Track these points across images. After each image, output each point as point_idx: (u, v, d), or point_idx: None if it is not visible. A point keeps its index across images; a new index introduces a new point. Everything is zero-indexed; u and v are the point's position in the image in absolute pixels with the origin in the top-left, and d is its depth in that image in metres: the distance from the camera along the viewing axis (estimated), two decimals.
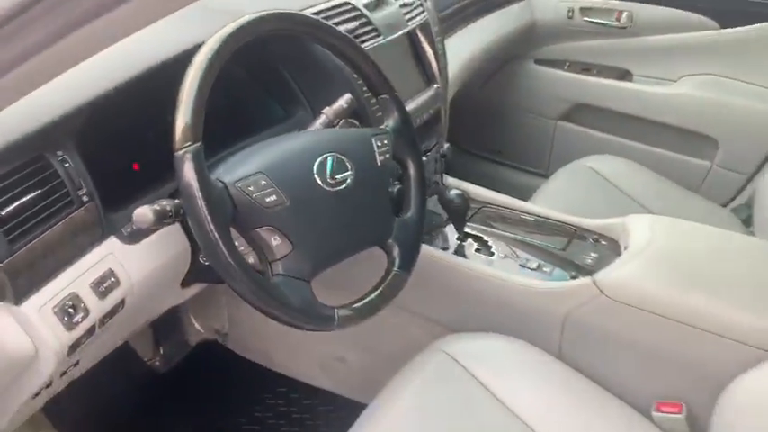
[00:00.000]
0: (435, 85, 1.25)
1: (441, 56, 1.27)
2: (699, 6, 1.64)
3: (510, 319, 1.09)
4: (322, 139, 0.85)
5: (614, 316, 1.00)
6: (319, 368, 1.36)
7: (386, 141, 0.88)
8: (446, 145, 1.30)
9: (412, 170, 0.93)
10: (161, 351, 1.38)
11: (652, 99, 1.70)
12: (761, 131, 1.59)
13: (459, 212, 1.14)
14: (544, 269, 1.10)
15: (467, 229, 1.21)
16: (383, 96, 0.92)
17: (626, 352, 1.02)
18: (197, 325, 1.47)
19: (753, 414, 0.88)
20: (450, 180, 1.35)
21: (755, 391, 0.89)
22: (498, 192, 1.35)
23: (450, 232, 1.19)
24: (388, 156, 0.88)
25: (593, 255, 1.13)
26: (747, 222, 1.58)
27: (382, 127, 0.91)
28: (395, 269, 0.87)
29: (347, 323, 0.80)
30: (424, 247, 1.14)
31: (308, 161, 0.79)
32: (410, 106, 1.16)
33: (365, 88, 0.98)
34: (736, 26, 1.61)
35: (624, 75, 1.77)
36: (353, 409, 0.97)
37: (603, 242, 1.17)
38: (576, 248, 1.16)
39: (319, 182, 0.79)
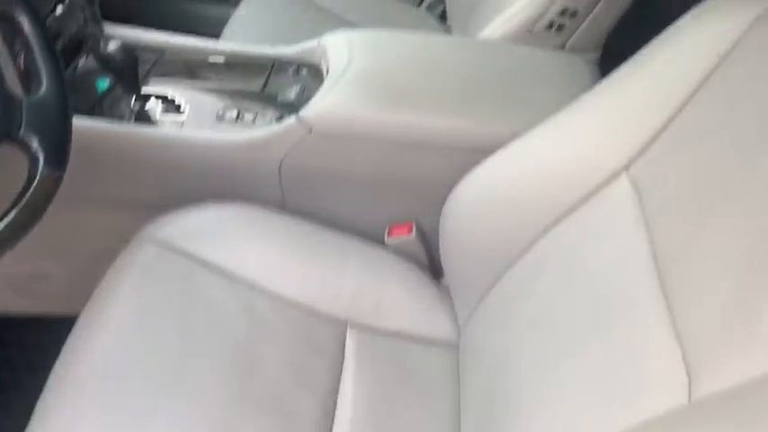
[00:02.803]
0: None
1: None
2: None
3: (221, 183, 0.95)
4: None
5: (328, 151, 0.91)
6: (13, 293, 1.11)
7: None
8: None
9: (26, 27, 0.67)
10: None
11: None
12: None
13: (127, 69, 0.91)
14: (245, 117, 0.95)
15: (147, 89, 0.99)
16: None
17: (349, 185, 0.95)
18: None
19: (469, 216, 0.88)
20: (112, 30, 1.08)
21: (470, 193, 0.88)
22: (185, 30, 1.13)
23: (126, 96, 0.97)
24: None
25: (295, 88, 1.01)
26: (443, 17, 1.58)
27: None
28: (39, 168, 0.65)
29: None
30: (97, 123, 0.91)
31: None
32: None
33: None
34: None
35: None
36: (69, 324, 0.79)
37: (305, 70, 1.05)
38: (277, 84, 1.02)
39: None
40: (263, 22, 1.40)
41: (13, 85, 0.67)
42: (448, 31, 1.50)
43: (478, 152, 0.87)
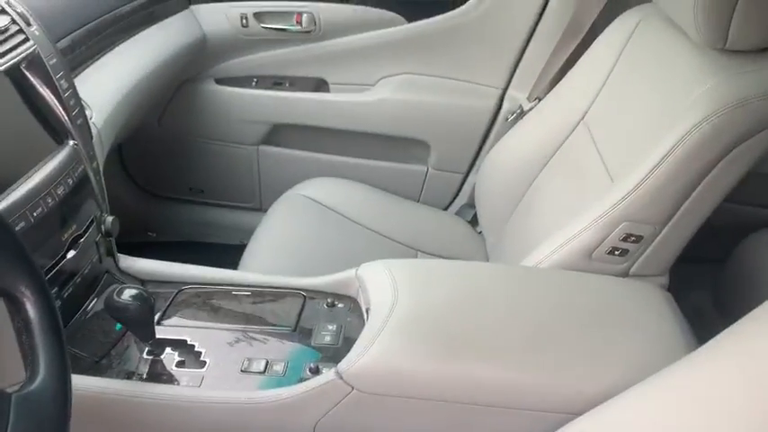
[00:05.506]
0: (71, 142, 0.88)
1: (70, 98, 0.90)
2: (385, 1, 1.50)
3: None
4: None
5: (375, 411, 0.77)
6: None
7: None
8: (109, 218, 0.94)
9: (29, 309, 0.56)
10: None
11: (353, 108, 1.52)
12: (468, 127, 1.51)
13: (140, 319, 0.79)
14: (274, 368, 0.82)
15: (163, 329, 0.87)
16: None
17: None
18: None
19: None
20: (128, 264, 0.99)
21: None
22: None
23: (138, 344, 0.85)
24: None
25: (331, 327, 0.89)
26: (474, 222, 1.51)
27: None
28: None
29: None
30: (102, 382, 0.79)
31: None
32: (34, 180, 0.79)
33: None
34: (420, 19, 1.50)
35: (320, 85, 1.56)
36: None
37: (340, 304, 0.93)
38: (309, 319, 0.90)
39: None
40: (291, 235, 1.33)
41: (4, 372, 0.54)
42: (481, 237, 1.42)
43: (555, 414, 0.72)
